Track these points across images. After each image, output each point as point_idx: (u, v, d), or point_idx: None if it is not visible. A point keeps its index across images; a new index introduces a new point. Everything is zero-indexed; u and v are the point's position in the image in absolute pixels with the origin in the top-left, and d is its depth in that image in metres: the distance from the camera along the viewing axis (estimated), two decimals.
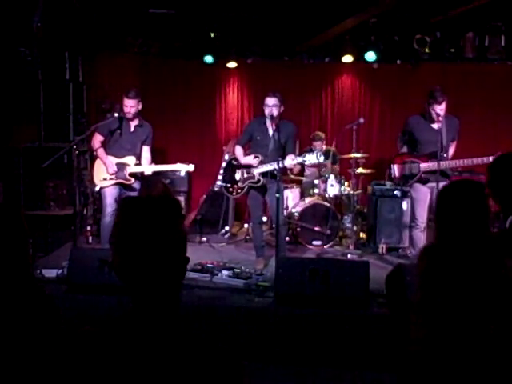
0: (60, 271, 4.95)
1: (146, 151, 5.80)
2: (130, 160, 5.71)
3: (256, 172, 5.60)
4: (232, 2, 6.86)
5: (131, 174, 5.70)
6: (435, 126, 5.39)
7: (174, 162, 5.84)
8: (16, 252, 1.87)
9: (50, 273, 4.96)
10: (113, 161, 5.71)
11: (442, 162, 5.28)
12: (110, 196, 5.71)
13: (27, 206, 6.72)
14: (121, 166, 5.70)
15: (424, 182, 5.52)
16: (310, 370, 3.98)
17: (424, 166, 5.46)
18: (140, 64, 8.19)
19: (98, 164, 5.81)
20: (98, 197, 6.27)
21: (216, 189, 7.27)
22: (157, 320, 1.32)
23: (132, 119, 5.70)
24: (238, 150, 5.80)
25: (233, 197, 6.11)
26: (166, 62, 8.26)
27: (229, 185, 5.87)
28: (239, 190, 5.77)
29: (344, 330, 4.19)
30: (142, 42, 7.75)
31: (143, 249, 1.31)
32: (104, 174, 5.72)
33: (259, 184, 5.62)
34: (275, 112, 5.44)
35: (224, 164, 7.32)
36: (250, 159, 5.65)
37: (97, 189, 5.89)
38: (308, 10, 6.84)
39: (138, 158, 5.78)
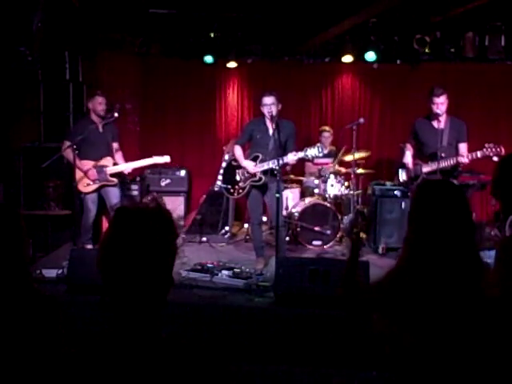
0: (60, 271, 4.95)
1: (116, 147, 6.00)
2: (107, 161, 5.87)
3: (258, 170, 5.59)
4: (232, 1, 6.86)
5: (112, 175, 5.83)
6: (437, 125, 5.58)
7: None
8: (13, 252, 1.86)
9: (50, 273, 4.94)
10: (90, 164, 5.81)
11: (440, 162, 5.46)
12: (91, 200, 5.87)
13: (27, 206, 6.72)
14: (100, 169, 5.78)
15: None
16: (310, 369, 3.98)
17: (425, 167, 5.71)
18: (140, 64, 8.19)
19: (78, 172, 5.79)
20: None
21: (216, 189, 7.26)
22: (137, 334, 1.31)
23: (103, 118, 5.88)
24: (238, 151, 5.78)
25: (234, 197, 6.09)
26: (166, 61, 8.25)
27: (229, 186, 5.83)
28: (240, 191, 5.74)
29: (344, 330, 4.18)
30: (142, 41, 7.75)
31: (130, 256, 1.31)
32: (86, 179, 5.80)
33: (261, 182, 5.58)
34: (274, 110, 5.45)
35: (224, 164, 7.32)
36: (249, 165, 5.61)
37: (82, 195, 5.93)
38: (308, 10, 6.84)
39: (114, 156, 5.96)
